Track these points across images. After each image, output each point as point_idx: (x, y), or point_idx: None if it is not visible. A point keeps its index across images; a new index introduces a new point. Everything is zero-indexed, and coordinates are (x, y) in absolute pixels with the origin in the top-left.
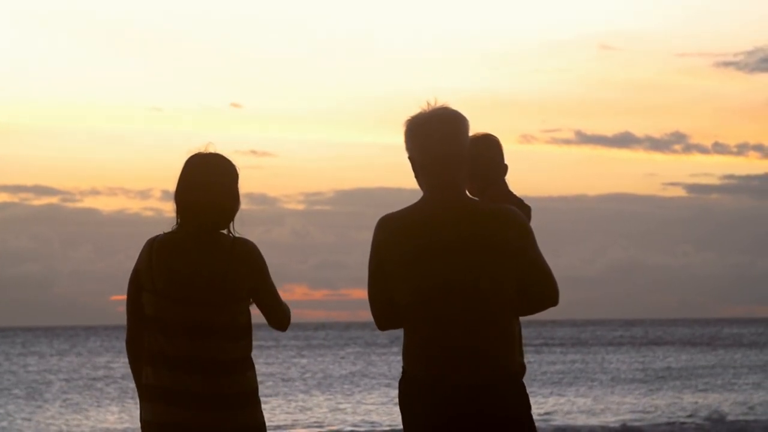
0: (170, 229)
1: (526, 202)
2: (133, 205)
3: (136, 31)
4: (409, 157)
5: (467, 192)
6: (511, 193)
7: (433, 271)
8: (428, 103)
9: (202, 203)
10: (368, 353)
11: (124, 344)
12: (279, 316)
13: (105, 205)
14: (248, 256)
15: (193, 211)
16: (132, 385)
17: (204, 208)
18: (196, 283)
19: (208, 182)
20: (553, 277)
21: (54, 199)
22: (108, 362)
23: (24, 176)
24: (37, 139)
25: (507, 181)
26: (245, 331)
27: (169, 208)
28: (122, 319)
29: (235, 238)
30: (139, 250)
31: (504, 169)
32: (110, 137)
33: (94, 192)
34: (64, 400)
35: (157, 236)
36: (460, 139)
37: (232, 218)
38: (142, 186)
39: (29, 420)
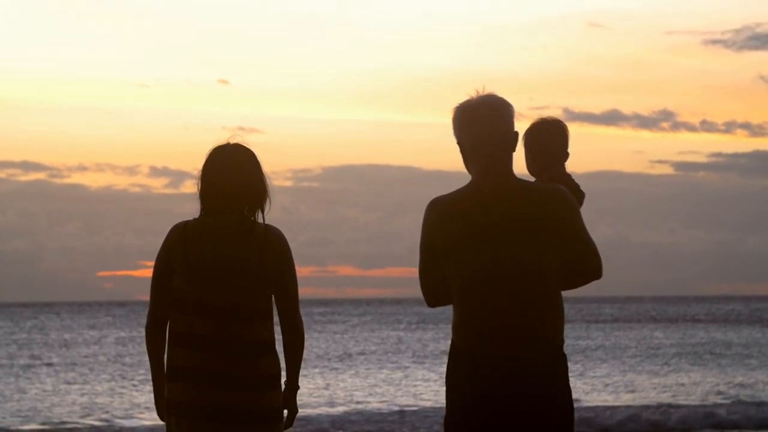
0: (197, 216)
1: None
2: (121, 182)
3: (123, 7)
4: (458, 143)
5: (527, 172)
6: (569, 176)
7: (483, 249)
8: (476, 91)
9: (232, 185)
10: (360, 330)
11: (117, 320)
12: (295, 315)
13: (92, 181)
14: (279, 244)
15: (223, 193)
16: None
17: (233, 190)
18: (230, 267)
19: (236, 166)
20: (597, 251)
21: (41, 175)
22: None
23: (11, 152)
24: (25, 115)
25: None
26: (270, 314)
27: (157, 185)
28: (110, 295)
29: (267, 225)
30: (127, 225)
31: (566, 156)
32: (98, 113)
33: (82, 168)
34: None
35: (187, 222)
36: (505, 123)
37: (261, 203)
38: (129, 162)
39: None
